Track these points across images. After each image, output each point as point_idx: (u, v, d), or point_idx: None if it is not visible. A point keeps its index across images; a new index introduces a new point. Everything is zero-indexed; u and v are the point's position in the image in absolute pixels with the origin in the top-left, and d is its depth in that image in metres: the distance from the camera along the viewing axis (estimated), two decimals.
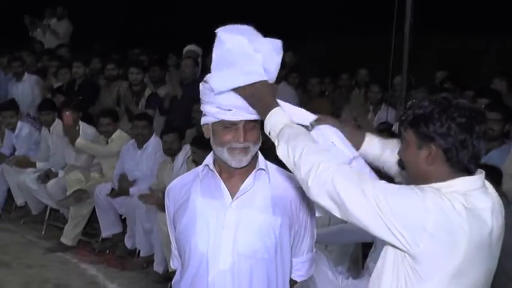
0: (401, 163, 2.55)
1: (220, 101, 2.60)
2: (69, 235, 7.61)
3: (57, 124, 8.26)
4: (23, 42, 12.49)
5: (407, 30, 6.43)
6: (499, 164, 5.51)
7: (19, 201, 8.50)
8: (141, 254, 7.12)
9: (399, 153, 2.53)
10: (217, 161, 2.75)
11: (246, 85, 2.54)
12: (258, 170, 2.74)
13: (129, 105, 8.88)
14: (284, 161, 2.43)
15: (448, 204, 2.27)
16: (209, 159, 2.78)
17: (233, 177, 2.74)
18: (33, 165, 8.34)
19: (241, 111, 2.59)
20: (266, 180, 2.75)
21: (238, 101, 2.58)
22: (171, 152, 7.04)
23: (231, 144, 2.64)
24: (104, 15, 15.59)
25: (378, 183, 2.36)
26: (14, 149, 8.76)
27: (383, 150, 2.72)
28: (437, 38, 11.74)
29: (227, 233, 2.70)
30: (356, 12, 13.60)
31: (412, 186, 2.35)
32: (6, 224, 8.36)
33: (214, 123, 2.66)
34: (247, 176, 2.73)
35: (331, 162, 2.34)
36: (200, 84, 2.70)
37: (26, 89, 9.98)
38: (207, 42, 2.77)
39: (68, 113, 7.67)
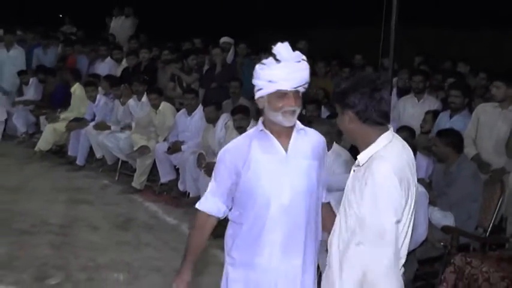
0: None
1: (271, 77, 2.71)
2: (137, 181, 7.71)
3: (125, 97, 8.45)
4: (97, 35, 12.72)
5: (394, 24, 6.40)
6: (461, 128, 5.66)
7: (98, 154, 8.60)
8: (191, 195, 7.15)
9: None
10: (267, 125, 2.82)
11: None
12: (298, 129, 2.86)
13: (185, 80, 9.08)
14: None
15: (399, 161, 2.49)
16: (260, 125, 2.84)
17: (281, 136, 2.82)
18: (109, 127, 8.42)
19: (287, 82, 2.71)
20: (304, 136, 2.88)
21: (282, 74, 2.70)
22: (210, 120, 7.14)
23: (284, 109, 2.73)
24: (162, 12, 16.01)
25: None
26: (94, 116, 8.86)
27: None
28: (416, 29, 11.58)
29: (286, 178, 2.79)
30: (352, 8, 13.49)
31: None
32: (88, 172, 8.50)
33: (269, 94, 2.74)
34: (290, 135, 2.83)
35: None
36: (256, 65, 2.80)
37: (105, 68, 10.01)
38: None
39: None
